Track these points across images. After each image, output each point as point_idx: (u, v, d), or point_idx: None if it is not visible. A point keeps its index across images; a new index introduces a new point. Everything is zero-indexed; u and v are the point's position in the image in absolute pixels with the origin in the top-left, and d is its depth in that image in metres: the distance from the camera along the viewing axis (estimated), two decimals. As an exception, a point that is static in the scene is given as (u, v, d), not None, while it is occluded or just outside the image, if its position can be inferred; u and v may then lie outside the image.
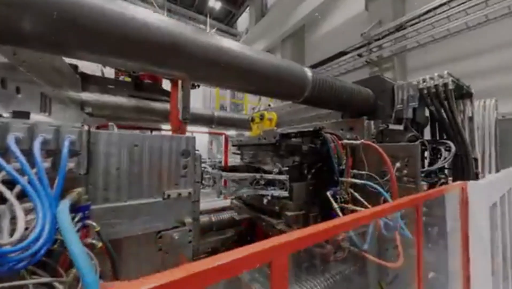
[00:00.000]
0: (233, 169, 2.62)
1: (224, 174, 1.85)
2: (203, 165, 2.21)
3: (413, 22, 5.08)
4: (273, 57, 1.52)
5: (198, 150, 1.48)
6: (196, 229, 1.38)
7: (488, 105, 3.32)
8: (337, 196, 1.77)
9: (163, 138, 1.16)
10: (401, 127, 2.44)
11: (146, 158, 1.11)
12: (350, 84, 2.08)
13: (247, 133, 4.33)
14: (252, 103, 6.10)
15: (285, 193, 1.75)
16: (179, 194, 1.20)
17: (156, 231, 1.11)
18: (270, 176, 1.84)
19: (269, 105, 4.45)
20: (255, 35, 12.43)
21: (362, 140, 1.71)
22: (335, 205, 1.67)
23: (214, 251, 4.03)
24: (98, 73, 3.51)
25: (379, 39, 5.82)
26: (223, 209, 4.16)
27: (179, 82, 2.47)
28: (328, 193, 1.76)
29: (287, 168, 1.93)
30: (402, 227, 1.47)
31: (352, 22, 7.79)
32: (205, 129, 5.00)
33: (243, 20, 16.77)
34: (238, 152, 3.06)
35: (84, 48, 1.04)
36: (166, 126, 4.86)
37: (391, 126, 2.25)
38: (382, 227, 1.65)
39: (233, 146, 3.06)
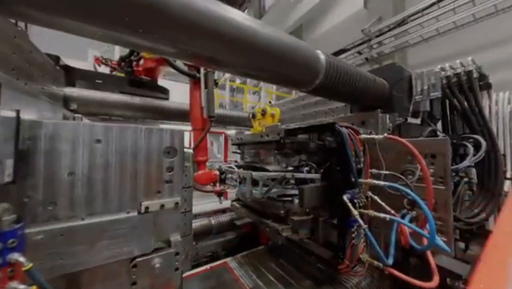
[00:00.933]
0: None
1: (254, 173, 1.57)
2: (228, 164, 1.92)
3: (417, 16, 4.78)
4: (281, 33, 1.20)
5: (189, 148, 1.16)
6: (188, 245, 1.06)
7: (502, 98, 3.01)
8: (355, 200, 1.46)
9: (138, 132, 0.84)
10: (418, 121, 2.13)
11: (115, 158, 0.79)
12: (365, 72, 1.77)
13: (247, 132, 4.01)
14: (251, 102, 5.80)
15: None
16: (162, 206, 0.88)
17: (129, 258, 0.79)
18: (301, 175, 1.61)
19: (270, 102, 4.13)
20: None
21: (385, 134, 1.39)
22: (354, 212, 1.36)
23: (214, 255, 3.71)
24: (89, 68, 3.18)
25: (380, 35, 5.52)
26: (223, 211, 3.85)
27: (202, 73, 2.18)
28: (345, 197, 1.44)
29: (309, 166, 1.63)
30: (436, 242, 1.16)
31: (350, 20, 7.49)
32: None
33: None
34: (239, 151, 2.75)
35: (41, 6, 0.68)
36: (166, 126, 4.54)
37: (408, 120, 1.94)
38: (410, 238, 1.34)
39: (233, 144, 2.74)
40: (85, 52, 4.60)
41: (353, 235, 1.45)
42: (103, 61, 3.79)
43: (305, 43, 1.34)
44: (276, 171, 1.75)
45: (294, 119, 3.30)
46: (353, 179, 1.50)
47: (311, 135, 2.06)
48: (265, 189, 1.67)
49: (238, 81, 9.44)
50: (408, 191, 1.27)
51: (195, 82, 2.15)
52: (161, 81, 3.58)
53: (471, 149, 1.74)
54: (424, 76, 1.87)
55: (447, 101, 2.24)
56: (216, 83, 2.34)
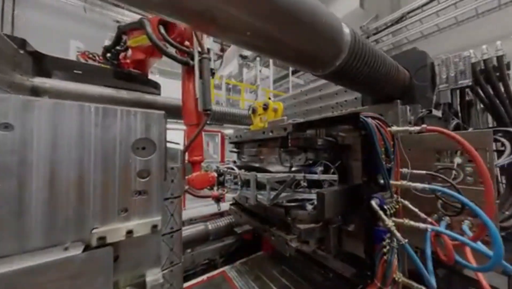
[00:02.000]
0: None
1: (260, 175, 1.25)
2: (227, 165, 1.60)
3: (416, 12, 4.57)
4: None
5: (178, 143, 0.82)
6: (177, 280, 0.71)
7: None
8: (386, 207, 1.14)
9: (86, 113, 0.49)
10: (439, 114, 1.85)
11: (40, 156, 0.44)
12: (388, 57, 1.47)
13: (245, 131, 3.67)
14: (248, 101, 5.48)
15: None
16: (130, 232, 0.53)
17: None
18: (315, 176, 1.37)
19: (269, 98, 3.81)
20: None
21: (424, 125, 1.09)
22: (389, 222, 1.05)
23: (211, 263, 3.33)
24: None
25: (377, 32, 5.30)
26: (220, 214, 3.49)
27: (196, 59, 1.83)
28: (374, 203, 1.13)
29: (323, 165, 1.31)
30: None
31: (346, 19, 7.26)
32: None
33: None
34: (237, 150, 2.41)
35: None
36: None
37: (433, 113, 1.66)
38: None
39: (231, 142, 2.40)
40: (66, 43, 4.08)
41: (385, 250, 1.13)
42: (90, 56, 3.36)
43: (326, 8, 1.02)
44: (284, 172, 1.43)
45: (296, 116, 2.99)
46: (382, 181, 1.19)
47: (318, 131, 1.75)
48: (273, 193, 1.35)
49: (228, 71, 9.06)
50: (459, 195, 0.97)
51: (188, 70, 1.80)
52: (155, 79, 3.20)
53: (508, 144, 1.46)
54: (450, 62, 1.59)
55: (466, 92, 1.98)
56: (212, 73, 2.00)
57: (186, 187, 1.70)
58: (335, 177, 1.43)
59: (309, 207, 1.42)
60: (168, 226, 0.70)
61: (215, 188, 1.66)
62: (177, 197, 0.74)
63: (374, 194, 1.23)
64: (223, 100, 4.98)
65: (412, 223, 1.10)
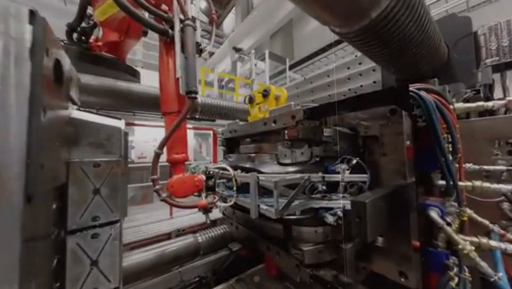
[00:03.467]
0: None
1: (262, 176, 0.89)
2: (218, 165, 1.22)
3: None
4: None
5: (119, 118, 0.43)
6: None
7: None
8: (449, 219, 0.79)
9: None
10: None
11: None
12: (434, 22, 1.13)
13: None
14: (243, 96, 5.11)
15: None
16: None
17: None
18: (337, 177, 1.02)
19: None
20: (241, 33, 11.44)
21: (509, 98, 0.75)
22: (463, 243, 0.69)
23: (202, 281, 2.89)
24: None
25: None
26: (213, 222, 3.08)
27: (177, 28, 1.33)
28: (434, 214, 0.78)
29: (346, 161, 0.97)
30: None
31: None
32: (189, 124, 3.88)
33: (229, 24, 15.75)
34: (225, 148, 2.00)
35: None
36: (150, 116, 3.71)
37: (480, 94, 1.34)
38: None
39: (225, 139, 1.99)
40: None
41: (453, 284, 0.78)
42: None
43: None
44: (294, 172, 1.07)
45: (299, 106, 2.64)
46: (441, 181, 0.84)
47: (328, 119, 1.41)
48: (282, 201, 0.98)
49: (222, 69, 8.64)
50: None
51: (166, 43, 1.40)
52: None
53: None
54: (503, 28, 1.27)
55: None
56: (200, 50, 1.61)
57: (164, 195, 1.30)
58: (365, 177, 1.07)
59: (330, 218, 1.05)
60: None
61: (203, 195, 1.28)
62: (106, 225, 0.36)
63: (427, 200, 0.88)
64: (215, 96, 4.59)
65: (493, 243, 0.76)
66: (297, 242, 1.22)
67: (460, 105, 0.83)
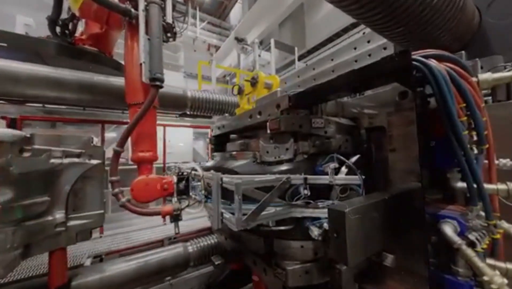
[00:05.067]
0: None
1: (226, 178, 0.79)
2: (187, 165, 1.11)
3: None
4: None
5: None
6: None
7: None
8: (473, 237, 0.59)
9: None
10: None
11: None
12: None
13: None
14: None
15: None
16: None
17: None
18: (323, 179, 0.88)
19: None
20: (249, 22, 11.29)
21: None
22: (486, 271, 0.50)
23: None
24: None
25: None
26: (209, 230, 2.99)
27: (141, 7, 1.26)
28: (449, 230, 0.58)
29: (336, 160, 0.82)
30: None
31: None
32: (185, 122, 3.85)
33: (236, 15, 15.67)
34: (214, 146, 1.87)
35: None
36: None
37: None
38: None
39: (213, 136, 1.87)
40: (11, 18, 3.59)
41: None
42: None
43: None
44: (270, 173, 0.91)
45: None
46: (461, 183, 0.64)
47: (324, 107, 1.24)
48: (250, 208, 0.83)
49: (228, 64, 8.52)
50: None
51: (131, 25, 1.31)
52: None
53: None
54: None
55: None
56: (174, 33, 1.49)
57: (124, 199, 1.19)
58: (357, 179, 0.89)
59: (315, 231, 0.88)
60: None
61: (174, 200, 1.16)
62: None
63: (443, 209, 0.69)
64: (213, 91, 4.51)
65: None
66: (281, 259, 1.06)
67: (487, 76, 0.62)
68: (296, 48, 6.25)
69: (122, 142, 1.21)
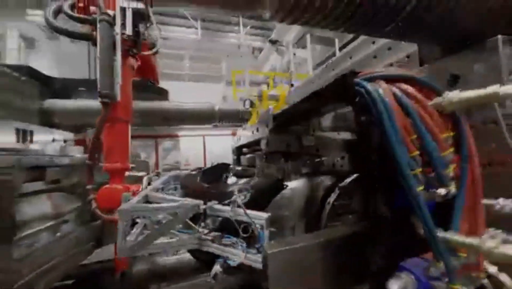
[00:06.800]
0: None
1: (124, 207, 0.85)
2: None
3: None
4: None
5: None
6: None
7: None
8: None
9: None
10: None
11: None
12: None
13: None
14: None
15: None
16: None
17: None
18: (226, 210, 0.79)
19: (292, 85, 3.17)
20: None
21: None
22: None
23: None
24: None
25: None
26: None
27: (98, 25, 1.26)
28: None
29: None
30: None
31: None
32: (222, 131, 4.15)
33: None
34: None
35: None
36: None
37: None
38: None
39: (235, 147, 1.99)
40: None
41: None
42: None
43: None
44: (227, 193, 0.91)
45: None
46: (426, 233, 0.51)
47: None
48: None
49: (269, 66, 8.36)
50: None
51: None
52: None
53: None
54: None
55: None
56: (152, 45, 1.59)
57: (94, 206, 1.40)
58: (262, 218, 0.72)
59: (216, 267, 0.75)
60: None
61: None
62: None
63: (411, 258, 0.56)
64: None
65: None
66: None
67: (453, 95, 0.48)
68: (336, 40, 5.70)
69: (90, 156, 1.42)
